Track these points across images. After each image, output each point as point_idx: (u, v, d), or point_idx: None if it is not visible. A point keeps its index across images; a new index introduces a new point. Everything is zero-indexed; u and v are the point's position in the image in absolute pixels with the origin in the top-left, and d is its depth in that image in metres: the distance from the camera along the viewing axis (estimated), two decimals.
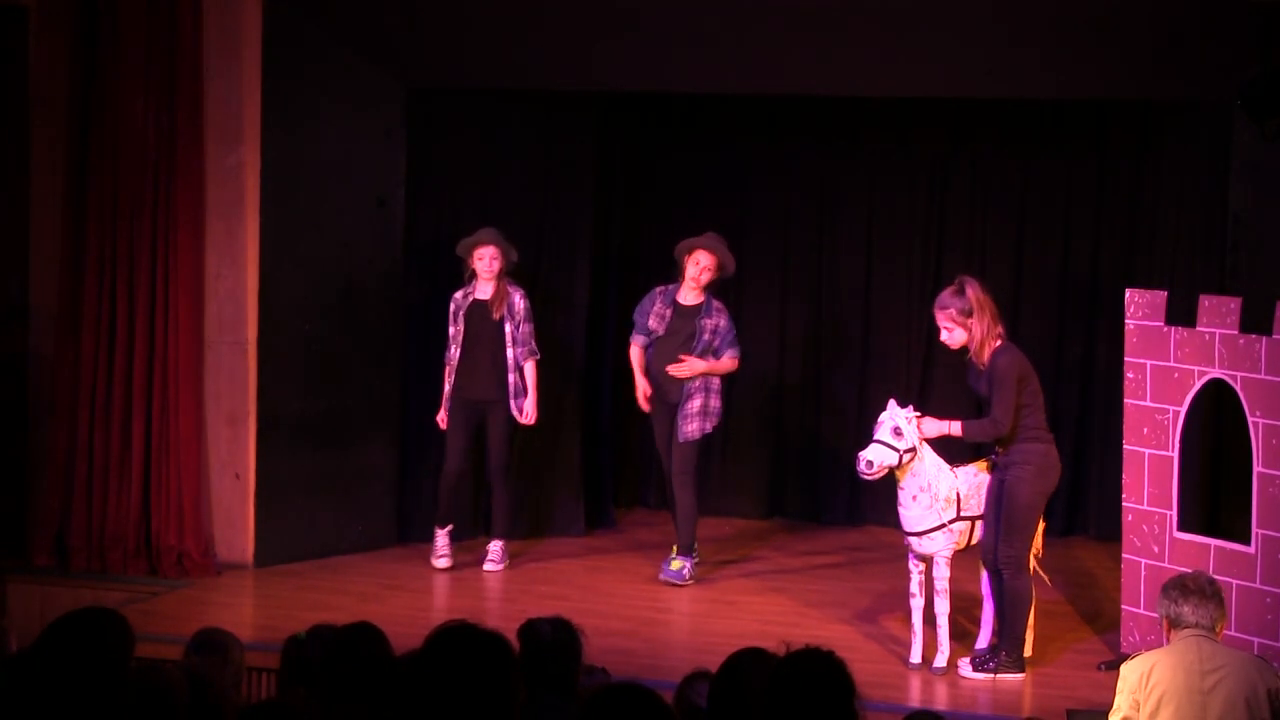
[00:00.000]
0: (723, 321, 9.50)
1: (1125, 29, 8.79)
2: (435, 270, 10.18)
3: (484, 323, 9.53)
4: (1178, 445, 7.96)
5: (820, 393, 11.30)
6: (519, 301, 9.56)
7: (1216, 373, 7.80)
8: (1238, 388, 7.71)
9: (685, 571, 9.46)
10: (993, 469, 7.98)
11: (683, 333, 9.44)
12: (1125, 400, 8.18)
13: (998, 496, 7.89)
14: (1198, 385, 7.89)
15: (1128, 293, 8.23)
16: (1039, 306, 10.90)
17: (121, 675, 4.28)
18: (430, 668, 3.70)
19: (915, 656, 8.06)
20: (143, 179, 9.41)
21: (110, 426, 9.48)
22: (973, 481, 7.94)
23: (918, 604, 8.02)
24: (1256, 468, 7.63)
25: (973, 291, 7.80)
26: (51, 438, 9.59)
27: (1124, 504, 8.20)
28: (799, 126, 11.12)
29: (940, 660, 7.97)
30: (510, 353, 9.54)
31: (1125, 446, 8.18)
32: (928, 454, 7.87)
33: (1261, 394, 7.60)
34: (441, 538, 9.64)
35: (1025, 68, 9.27)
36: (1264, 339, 7.59)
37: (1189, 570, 6.41)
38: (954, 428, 7.88)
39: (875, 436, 7.82)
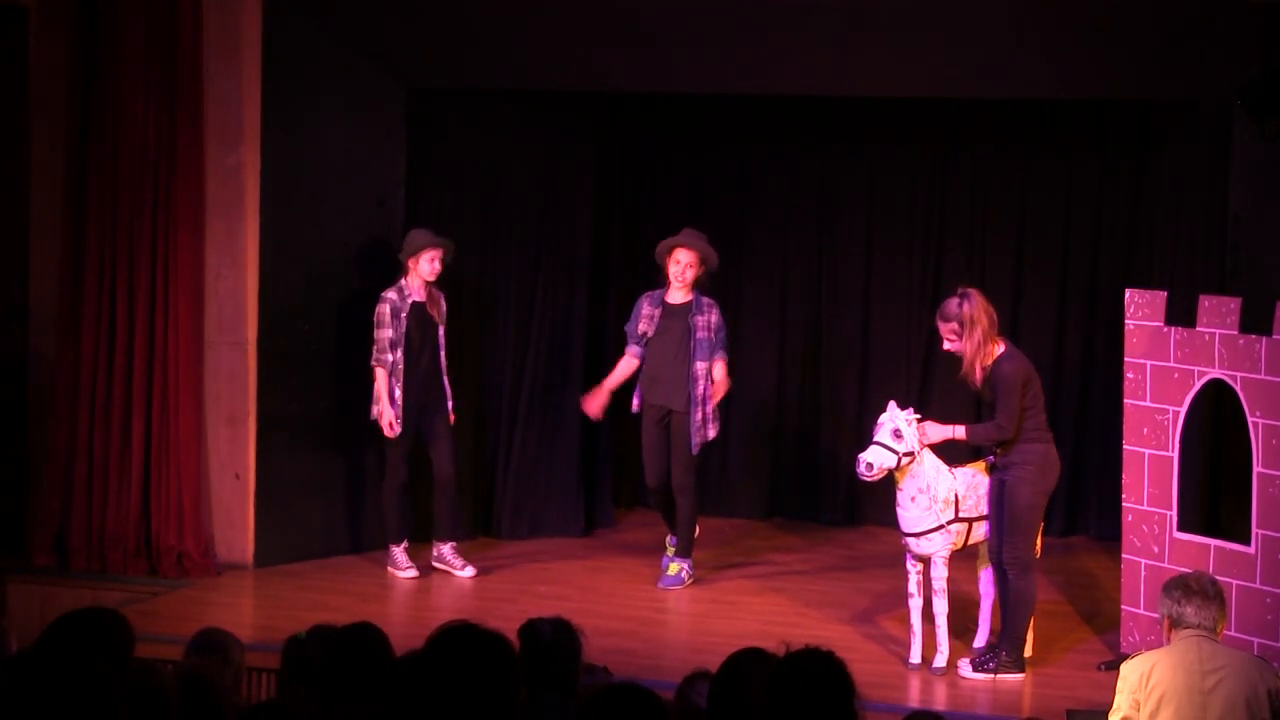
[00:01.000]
0: (714, 317, 9.38)
1: (1125, 29, 8.80)
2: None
3: (428, 326, 9.40)
4: (1178, 445, 7.96)
5: (820, 393, 11.30)
6: (444, 304, 9.47)
7: (1216, 373, 7.80)
8: (1238, 388, 7.71)
9: (684, 574, 9.45)
10: (992, 470, 7.98)
11: (674, 331, 9.34)
12: (1125, 400, 8.18)
13: (999, 497, 7.90)
14: (1198, 385, 7.89)
15: (1128, 293, 8.23)
16: (1039, 307, 10.90)
17: (122, 675, 4.28)
18: (431, 668, 3.70)
19: (915, 656, 8.06)
20: (143, 179, 9.41)
21: (110, 426, 9.48)
22: (971, 482, 7.94)
23: (916, 604, 8.02)
24: (1256, 468, 7.63)
25: (967, 308, 7.77)
26: (51, 438, 9.59)
27: (1124, 504, 8.20)
28: (799, 126, 11.12)
29: (940, 660, 7.98)
30: (443, 355, 9.46)
31: (1125, 446, 8.18)
32: (927, 455, 7.88)
33: (1261, 394, 7.60)
34: (402, 553, 9.50)
35: (1025, 68, 9.27)
36: (1264, 339, 7.59)
37: (1190, 570, 6.40)
38: (958, 432, 7.89)
39: (875, 438, 7.83)
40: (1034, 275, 10.93)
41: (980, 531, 8.00)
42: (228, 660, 5.35)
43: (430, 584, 9.41)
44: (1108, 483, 10.19)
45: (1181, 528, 7.99)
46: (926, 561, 7.94)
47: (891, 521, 8.21)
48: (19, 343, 9.84)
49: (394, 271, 9.60)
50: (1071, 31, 8.88)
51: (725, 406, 11.47)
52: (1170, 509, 7.98)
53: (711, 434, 9.44)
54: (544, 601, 8.87)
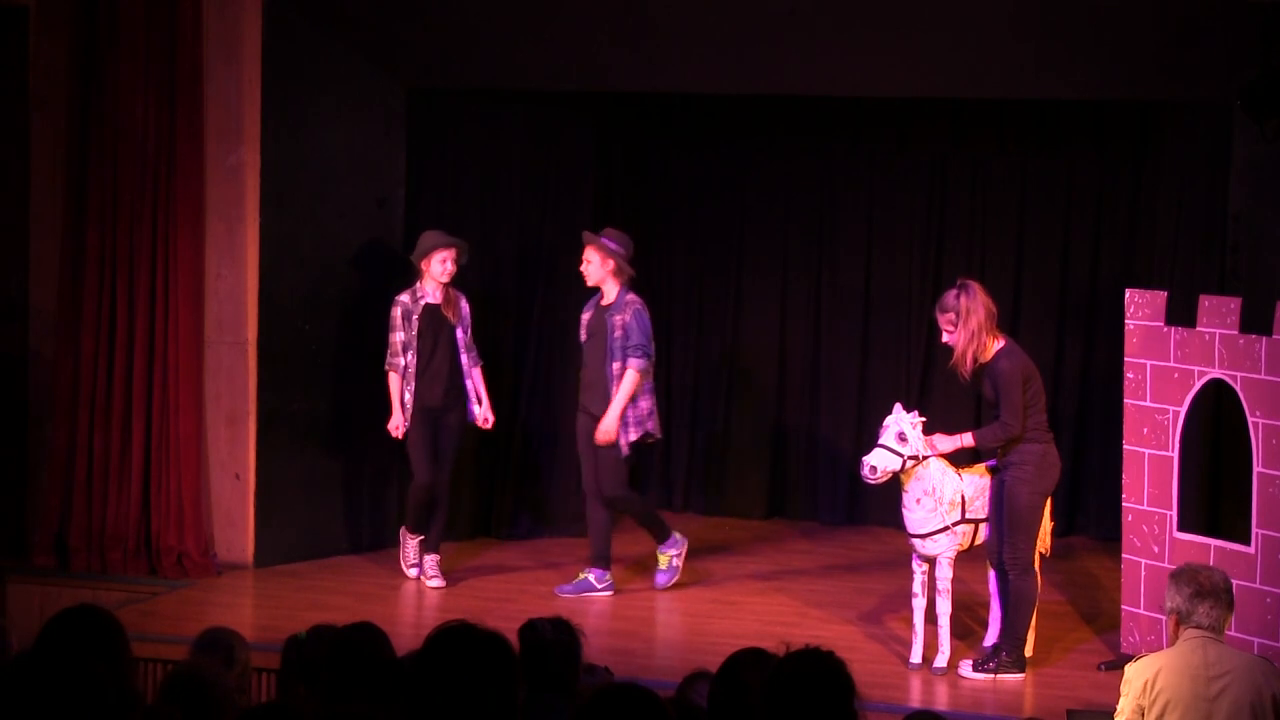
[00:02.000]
0: (628, 317, 9.02)
1: (1125, 29, 8.80)
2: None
3: (441, 327, 9.26)
4: (1178, 445, 7.96)
5: (820, 393, 11.29)
6: (465, 305, 9.36)
7: (1216, 373, 7.80)
8: (1238, 388, 7.71)
9: (675, 562, 9.26)
10: (994, 471, 7.98)
11: (601, 333, 9.12)
12: (1125, 400, 8.18)
13: (999, 498, 7.90)
14: (1198, 385, 7.88)
15: (1128, 293, 8.22)
16: (1039, 307, 10.90)
17: (120, 674, 4.28)
18: (430, 668, 3.70)
19: (916, 657, 8.06)
20: (143, 179, 9.41)
21: (110, 426, 9.47)
22: (978, 484, 7.94)
23: (920, 604, 8.02)
24: (1256, 468, 7.63)
25: (964, 299, 7.77)
26: (52, 438, 9.59)
27: (1124, 504, 8.20)
28: (799, 126, 11.11)
29: (940, 660, 7.97)
30: (464, 358, 9.35)
31: (1125, 446, 8.18)
32: (933, 458, 7.87)
33: (1261, 394, 7.59)
34: (415, 548, 9.39)
35: (1025, 68, 9.27)
36: (1264, 339, 7.59)
37: (1199, 564, 6.32)
38: (966, 439, 7.89)
39: (880, 441, 7.83)
40: (1034, 275, 10.93)
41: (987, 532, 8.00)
42: (232, 660, 5.34)
43: (426, 585, 9.38)
44: (1108, 483, 10.19)
45: (1181, 528, 7.99)
46: (932, 562, 7.94)
47: (892, 521, 8.22)
48: (19, 343, 9.84)
49: (394, 271, 9.64)
50: (1071, 32, 8.88)
51: (724, 406, 11.49)
52: (1170, 509, 7.98)
53: (633, 436, 9.06)
54: (544, 601, 8.88)
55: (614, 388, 9.03)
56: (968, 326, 7.76)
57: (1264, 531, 7.58)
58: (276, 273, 9.62)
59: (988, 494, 7.95)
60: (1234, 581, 7.46)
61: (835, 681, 4.07)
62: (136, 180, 9.42)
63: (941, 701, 7.65)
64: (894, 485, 7.98)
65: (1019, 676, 7.90)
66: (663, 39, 9.38)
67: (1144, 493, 8.06)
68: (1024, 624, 7.92)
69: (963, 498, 7.88)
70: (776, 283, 11.34)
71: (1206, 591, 5.67)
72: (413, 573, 9.42)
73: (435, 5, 9.49)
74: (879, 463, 7.75)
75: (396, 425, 9.22)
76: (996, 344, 7.83)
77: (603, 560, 9.23)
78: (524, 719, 3.76)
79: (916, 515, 7.88)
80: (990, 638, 8.13)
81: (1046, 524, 8.11)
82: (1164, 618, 6.00)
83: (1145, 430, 8.06)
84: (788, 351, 11.36)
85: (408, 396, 9.21)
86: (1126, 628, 8.19)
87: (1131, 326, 8.11)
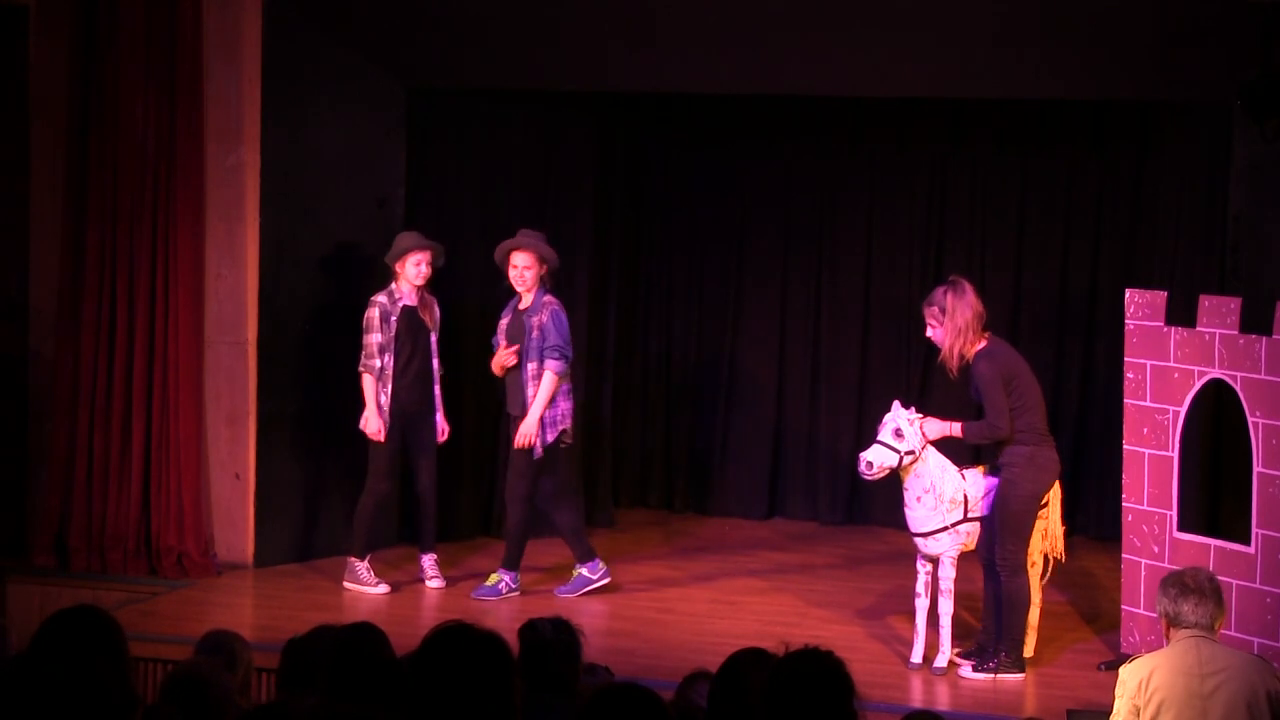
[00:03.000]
0: (545, 318, 8.91)
1: (1125, 29, 8.80)
2: (436, 270, 10.17)
3: (418, 331, 9.20)
4: (1178, 445, 7.96)
5: (820, 393, 11.30)
6: (437, 309, 9.31)
7: (1216, 373, 7.80)
8: (1238, 388, 7.71)
9: (502, 586, 9.10)
10: (992, 472, 7.99)
11: (521, 337, 9.04)
12: (1125, 400, 8.18)
13: (993, 499, 7.92)
14: (1198, 385, 7.88)
15: (1127, 293, 8.22)
16: (1039, 307, 10.90)
17: (117, 674, 4.28)
18: (427, 669, 3.70)
19: (916, 656, 8.06)
20: (143, 179, 9.42)
21: (110, 426, 9.48)
22: (983, 484, 7.94)
23: (922, 604, 8.02)
24: (1256, 468, 7.63)
25: (950, 297, 7.79)
26: (52, 438, 9.59)
27: (1124, 504, 8.20)
28: (799, 127, 11.12)
29: (941, 660, 7.97)
30: (435, 362, 9.31)
31: (1125, 446, 8.18)
32: (931, 455, 7.88)
33: (1261, 394, 7.59)
34: (366, 569, 9.21)
35: (1025, 68, 9.27)
36: (1264, 339, 7.59)
37: (1187, 567, 6.36)
38: (955, 429, 7.90)
39: (877, 437, 7.86)
40: (1034, 275, 10.93)
41: None
42: (234, 662, 5.34)
43: (427, 586, 9.38)
44: (1108, 483, 10.19)
45: (1181, 528, 7.99)
46: (936, 562, 7.94)
47: (892, 521, 8.24)
48: (19, 343, 9.84)
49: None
50: (1071, 32, 8.88)
51: (724, 406, 11.48)
52: (1170, 509, 7.98)
53: (549, 437, 8.95)
54: (544, 601, 8.88)
55: (528, 390, 8.96)
56: (954, 323, 7.78)
57: (1264, 531, 7.58)
58: (276, 273, 9.62)
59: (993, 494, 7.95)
60: (1234, 581, 7.53)
61: (835, 681, 4.07)
62: (136, 180, 9.42)
63: (941, 701, 7.65)
64: (895, 485, 7.98)
65: (1019, 676, 7.90)
66: (663, 39, 9.39)
67: (1144, 493, 8.06)
68: (1019, 625, 7.92)
69: (966, 496, 7.88)
70: (776, 283, 11.35)
71: (1191, 589, 5.70)
72: (380, 590, 9.19)
73: (436, 5, 9.49)
74: (876, 458, 7.78)
75: (377, 430, 9.11)
76: (979, 344, 7.83)
77: (588, 553, 9.24)
78: (524, 719, 3.76)
79: (918, 514, 7.89)
80: (980, 636, 8.13)
81: (1058, 529, 8.11)
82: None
83: (1145, 430, 8.06)
84: (787, 352, 11.36)
85: (384, 399, 9.14)
86: (1126, 628, 8.20)
87: (1131, 326, 8.11)
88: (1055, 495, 8.07)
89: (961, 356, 7.82)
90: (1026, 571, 7.92)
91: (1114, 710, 5.79)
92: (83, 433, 9.50)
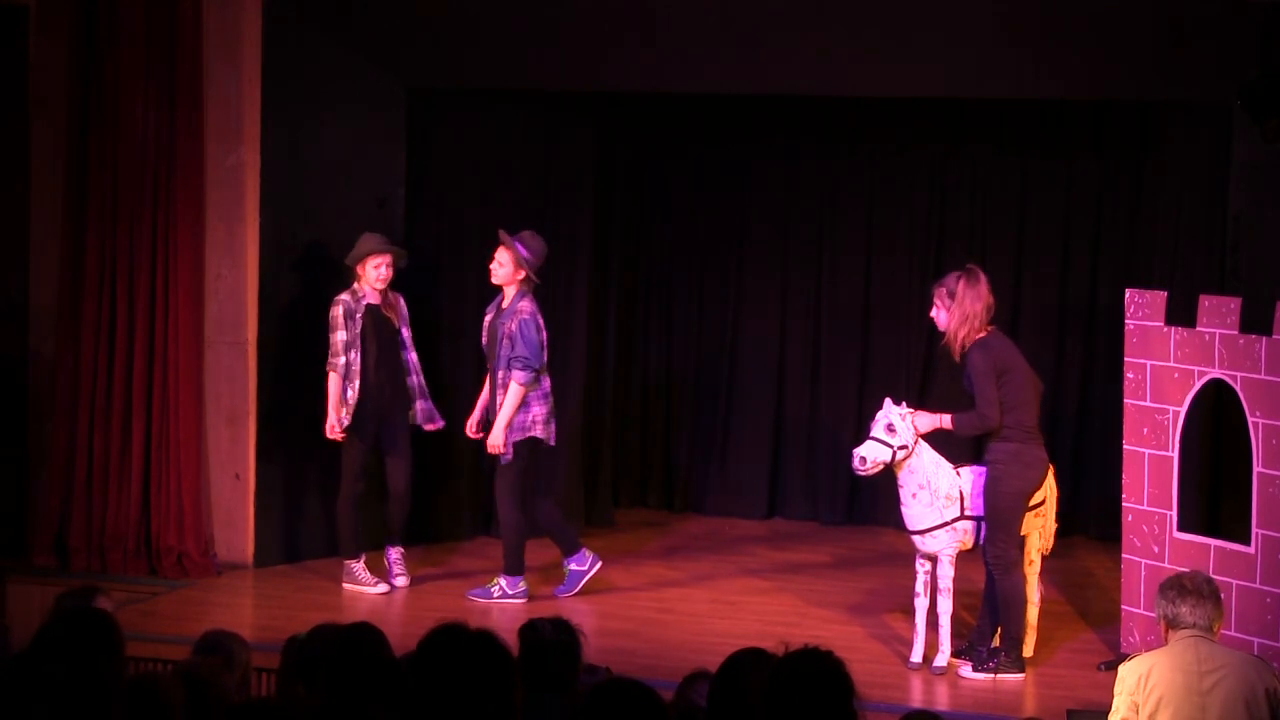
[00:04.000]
0: (514, 326, 8.90)
1: (1125, 29, 8.80)
2: (436, 270, 10.18)
3: (383, 327, 9.20)
4: (1178, 445, 7.96)
5: (820, 393, 11.29)
6: (403, 305, 9.31)
7: (1216, 373, 7.80)
8: (1238, 388, 7.71)
9: (496, 590, 9.10)
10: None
11: (496, 340, 9.07)
12: (1125, 400, 8.18)
13: (982, 496, 7.95)
14: (1198, 385, 7.89)
15: (1127, 293, 8.23)
16: (1039, 306, 10.89)
17: (116, 673, 4.28)
18: (424, 669, 3.70)
19: (916, 656, 8.07)
20: (143, 179, 9.42)
21: (110, 426, 9.48)
22: (979, 481, 7.94)
23: (922, 604, 8.02)
24: (1256, 468, 7.63)
25: (962, 284, 7.84)
26: (51, 438, 9.59)
27: (1124, 504, 8.20)
28: (799, 126, 11.11)
29: (941, 660, 7.98)
30: (409, 356, 9.31)
31: (1125, 446, 8.18)
32: (925, 451, 7.89)
33: (1261, 394, 7.60)
34: (362, 569, 9.21)
35: (1025, 68, 9.27)
36: (1264, 339, 7.59)
37: (1186, 570, 6.39)
38: (945, 420, 7.92)
39: (870, 434, 7.89)
40: (1034, 275, 10.93)
41: None
42: (233, 663, 5.34)
43: (426, 586, 9.38)
44: (1108, 483, 10.18)
45: (1181, 528, 7.99)
46: (934, 560, 7.95)
47: (892, 521, 8.24)
48: (19, 343, 9.84)
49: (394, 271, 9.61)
50: (1071, 32, 8.88)
51: (724, 406, 11.47)
52: (1170, 509, 7.98)
53: (515, 435, 8.93)
54: (544, 601, 8.88)
55: (499, 395, 8.99)
56: (961, 309, 7.82)
57: (1264, 531, 7.58)
58: (276, 273, 9.62)
59: None
60: (1234, 581, 7.53)
61: (835, 681, 4.07)
62: (136, 180, 9.42)
63: (941, 701, 7.65)
64: (895, 484, 7.98)
65: (1019, 676, 7.91)
66: (663, 39, 9.39)
67: (1144, 493, 8.06)
68: (1017, 623, 7.92)
69: (961, 493, 7.89)
70: (776, 282, 11.34)
71: (1189, 590, 5.75)
72: (379, 589, 9.20)
73: (435, 5, 9.50)
74: (869, 454, 7.81)
75: (332, 425, 9.11)
76: (979, 335, 7.86)
77: (574, 547, 9.25)
78: (523, 719, 3.76)
79: (914, 510, 7.90)
80: (971, 634, 8.14)
81: (1051, 524, 8.11)
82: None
83: (1145, 430, 8.06)
84: (787, 351, 11.36)
85: (350, 394, 9.12)
86: (1126, 627, 8.20)
87: (1131, 326, 8.12)
88: (1051, 493, 8.08)
89: (963, 344, 7.85)
90: (1020, 569, 7.92)
91: (1113, 707, 5.82)
92: (83, 433, 9.50)
